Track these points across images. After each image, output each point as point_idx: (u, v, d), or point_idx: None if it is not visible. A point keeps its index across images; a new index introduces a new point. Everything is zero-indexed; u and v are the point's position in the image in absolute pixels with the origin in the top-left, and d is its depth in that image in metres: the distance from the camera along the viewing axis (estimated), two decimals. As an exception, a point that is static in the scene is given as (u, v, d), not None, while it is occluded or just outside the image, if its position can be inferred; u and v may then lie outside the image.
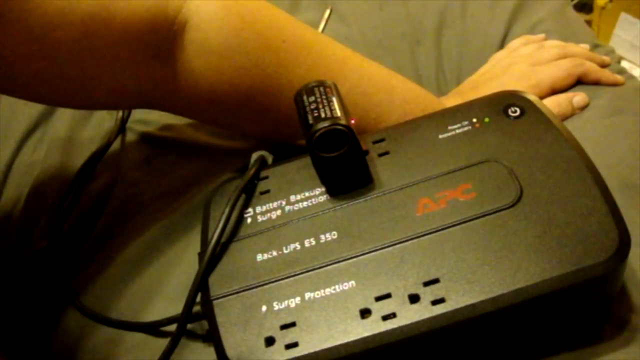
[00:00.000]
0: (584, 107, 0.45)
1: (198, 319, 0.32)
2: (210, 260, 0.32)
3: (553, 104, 0.45)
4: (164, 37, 0.33)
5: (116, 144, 0.46)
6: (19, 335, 0.39)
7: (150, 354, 0.35)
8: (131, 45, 0.33)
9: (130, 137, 0.47)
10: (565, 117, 0.45)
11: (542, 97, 0.46)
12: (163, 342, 0.34)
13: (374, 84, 0.40)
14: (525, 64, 0.48)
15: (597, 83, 0.47)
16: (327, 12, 0.57)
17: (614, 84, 0.47)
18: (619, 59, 0.53)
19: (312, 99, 0.33)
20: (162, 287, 0.37)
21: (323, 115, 0.32)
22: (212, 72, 0.35)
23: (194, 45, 0.34)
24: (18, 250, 0.42)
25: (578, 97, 0.45)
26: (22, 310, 0.40)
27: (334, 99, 0.33)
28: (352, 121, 0.33)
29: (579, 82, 0.48)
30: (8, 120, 0.48)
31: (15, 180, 0.45)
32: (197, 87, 0.35)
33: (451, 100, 0.46)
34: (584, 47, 0.50)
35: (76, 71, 0.32)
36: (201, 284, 0.32)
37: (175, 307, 0.33)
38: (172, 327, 0.34)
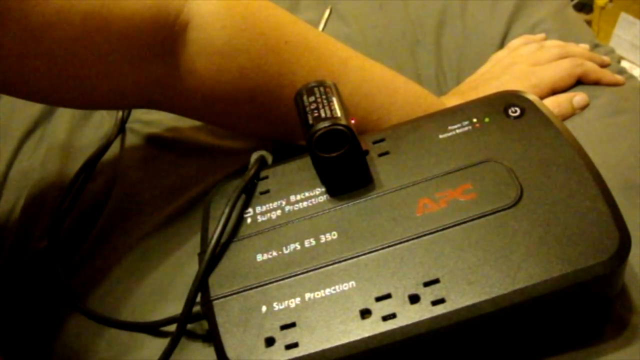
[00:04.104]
0: (584, 107, 0.45)
1: (198, 319, 0.32)
2: (210, 261, 0.32)
3: (553, 104, 0.45)
4: (166, 37, 0.33)
5: (116, 144, 0.46)
6: (19, 336, 0.39)
7: (150, 354, 0.35)
8: (132, 45, 0.32)
9: (129, 137, 0.47)
10: (566, 117, 0.45)
11: (542, 97, 0.45)
12: (163, 342, 0.34)
13: (376, 85, 0.40)
14: (526, 64, 0.48)
15: (597, 83, 0.47)
16: (327, 12, 0.57)
17: (614, 84, 0.47)
18: (619, 59, 0.53)
19: (312, 99, 0.33)
20: (163, 288, 0.37)
21: (323, 115, 0.32)
22: (213, 72, 0.35)
23: (196, 46, 0.34)
24: (17, 251, 0.42)
25: (578, 97, 0.45)
26: (22, 311, 0.40)
27: (334, 99, 0.33)
28: (352, 121, 0.33)
29: (579, 82, 0.47)
30: (8, 119, 0.48)
31: (15, 182, 0.45)
32: (198, 87, 0.35)
33: (451, 100, 0.46)
34: (584, 47, 0.50)
35: (76, 70, 0.32)
36: (201, 284, 0.32)
37: (176, 308, 0.33)
38: (172, 327, 0.34)
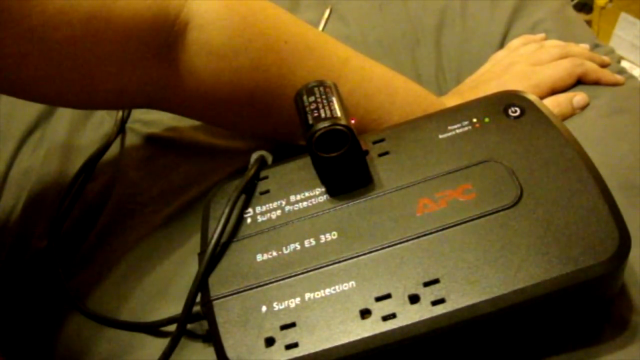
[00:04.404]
0: (584, 107, 0.45)
1: (198, 319, 0.32)
2: (210, 261, 0.32)
3: (553, 104, 0.45)
4: (166, 37, 0.33)
5: (116, 144, 0.46)
6: (19, 336, 0.39)
7: (150, 353, 0.35)
8: (132, 45, 0.32)
9: (129, 137, 0.47)
10: (565, 117, 0.45)
11: (542, 97, 0.45)
12: (163, 342, 0.34)
13: (375, 85, 0.40)
14: (525, 64, 0.48)
15: (597, 83, 0.47)
16: (327, 12, 0.57)
17: (614, 84, 0.47)
18: (619, 59, 0.52)
19: (312, 99, 0.33)
20: (163, 287, 0.37)
21: (323, 115, 0.31)
22: (213, 72, 0.35)
23: (196, 46, 0.34)
24: (18, 251, 0.42)
25: (578, 96, 0.45)
26: (23, 311, 0.40)
27: (334, 99, 0.33)
28: (352, 121, 0.33)
29: (579, 82, 0.47)
30: (8, 120, 0.48)
31: (15, 182, 0.45)
32: (198, 87, 0.35)
33: (451, 99, 0.46)
34: (584, 47, 0.50)
35: (76, 71, 0.32)
36: (201, 284, 0.32)
37: (176, 307, 0.33)
38: (173, 327, 0.34)
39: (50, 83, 0.33)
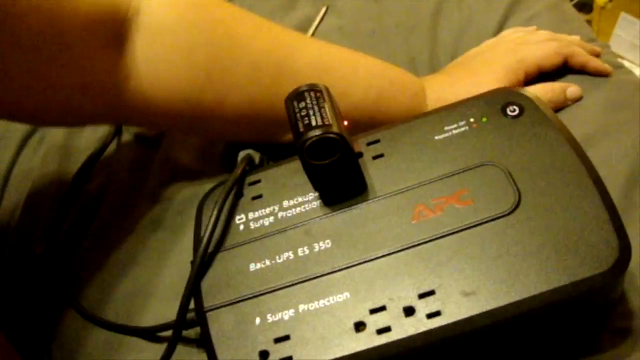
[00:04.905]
0: (577, 100, 0.44)
1: (193, 325, 0.32)
2: (202, 265, 0.32)
3: (546, 89, 0.43)
4: (120, 26, 0.34)
5: (113, 146, 0.46)
6: (19, 336, 0.39)
7: (146, 356, 0.35)
8: (91, 35, 0.33)
9: (125, 137, 0.47)
10: (557, 106, 0.43)
11: (529, 74, 0.44)
12: (159, 345, 0.35)
13: (335, 58, 0.40)
14: (513, 43, 0.46)
15: (583, 68, 0.45)
16: (323, 10, 0.55)
17: (601, 73, 0.45)
18: (616, 57, 0.51)
19: (302, 105, 0.31)
20: (156, 287, 0.37)
21: (314, 123, 0.30)
22: (168, 53, 0.35)
23: (149, 28, 0.34)
24: (17, 254, 0.42)
25: (572, 88, 0.44)
26: (22, 312, 0.40)
27: (326, 105, 0.31)
28: (345, 123, 0.32)
29: (576, 73, 0.46)
30: (8, 123, 0.48)
31: (15, 185, 0.45)
32: (157, 73, 0.35)
33: (436, 78, 0.44)
34: (576, 38, 0.48)
35: (42, 65, 0.32)
36: (193, 291, 0.31)
37: (169, 308, 0.33)
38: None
39: (20, 82, 0.32)
